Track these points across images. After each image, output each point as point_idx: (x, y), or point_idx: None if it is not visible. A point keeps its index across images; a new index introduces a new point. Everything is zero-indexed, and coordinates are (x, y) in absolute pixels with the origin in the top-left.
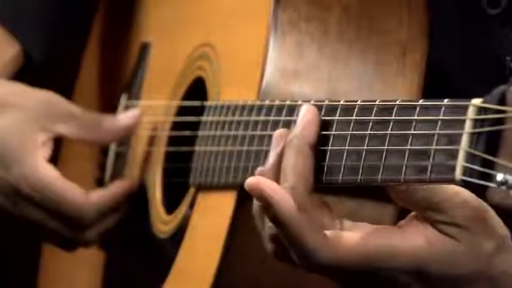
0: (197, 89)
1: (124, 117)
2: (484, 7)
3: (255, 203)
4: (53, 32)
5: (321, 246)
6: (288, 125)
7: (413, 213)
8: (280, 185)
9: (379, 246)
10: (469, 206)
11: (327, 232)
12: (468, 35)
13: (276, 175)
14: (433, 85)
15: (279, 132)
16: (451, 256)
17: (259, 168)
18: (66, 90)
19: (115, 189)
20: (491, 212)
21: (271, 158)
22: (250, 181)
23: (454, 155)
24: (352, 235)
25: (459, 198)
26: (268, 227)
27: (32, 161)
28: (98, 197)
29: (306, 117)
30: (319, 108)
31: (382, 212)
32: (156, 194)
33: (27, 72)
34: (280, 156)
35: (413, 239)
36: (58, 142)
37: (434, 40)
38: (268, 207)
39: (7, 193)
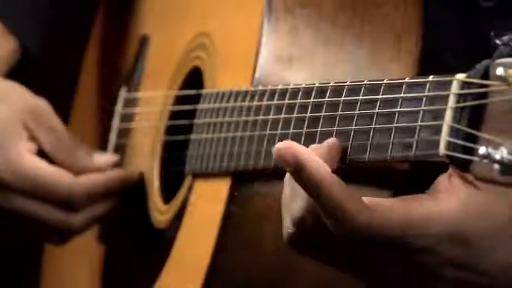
0: (194, 79)
1: (99, 158)
2: None
3: (287, 180)
4: (49, 25)
5: (361, 210)
6: (280, 109)
7: (441, 178)
8: None
9: (417, 213)
10: None
11: (364, 198)
12: (462, 27)
13: None
14: (428, 71)
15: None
16: (485, 208)
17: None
18: (68, 86)
19: (107, 175)
20: None
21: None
22: (281, 145)
23: (438, 130)
24: (389, 201)
25: None
26: (296, 208)
27: (15, 149)
28: (88, 179)
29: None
30: (309, 91)
31: (379, 196)
32: (154, 184)
33: (26, 68)
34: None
35: (448, 203)
36: None
37: (429, 31)
38: (301, 170)
39: None
